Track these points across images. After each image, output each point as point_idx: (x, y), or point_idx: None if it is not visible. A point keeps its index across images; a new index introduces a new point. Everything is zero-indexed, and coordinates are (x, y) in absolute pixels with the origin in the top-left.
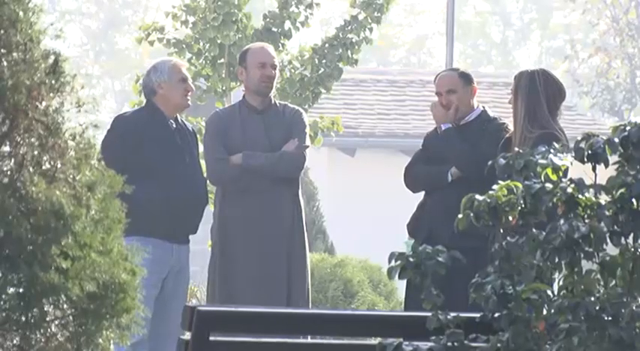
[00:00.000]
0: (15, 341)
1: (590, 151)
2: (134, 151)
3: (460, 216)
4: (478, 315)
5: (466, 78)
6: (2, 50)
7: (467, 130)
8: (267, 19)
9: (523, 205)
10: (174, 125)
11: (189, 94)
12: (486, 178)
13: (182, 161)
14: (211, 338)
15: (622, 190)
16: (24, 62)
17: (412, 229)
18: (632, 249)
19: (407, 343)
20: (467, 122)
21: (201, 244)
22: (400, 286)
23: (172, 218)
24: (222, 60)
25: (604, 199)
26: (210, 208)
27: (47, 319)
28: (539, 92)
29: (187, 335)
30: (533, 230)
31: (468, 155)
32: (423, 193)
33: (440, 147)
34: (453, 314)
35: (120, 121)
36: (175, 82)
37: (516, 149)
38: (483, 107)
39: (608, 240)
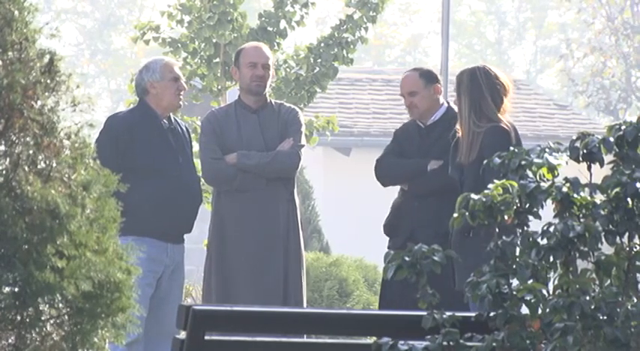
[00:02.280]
0: (10, 340)
1: (585, 151)
2: (127, 151)
3: (455, 215)
4: (473, 314)
5: (427, 77)
6: None
7: (435, 129)
8: (263, 19)
9: (518, 204)
10: (167, 124)
11: (182, 93)
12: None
13: (175, 161)
14: (207, 337)
15: (617, 190)
16: (19, 61)
17: (389, 230)
18: (627, 248)
19: (402, 342)
20: (434, 122)
21: (196, 243)
22: None
23: (166, 218)
24: (217, 59)
25: (599, 198)
26: (207, 208)
27: (42, 318)
28: (481, 86)
29: (183, 334)
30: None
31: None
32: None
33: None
34: (448, 313)
35: (112, 121)
36: (167, 81)
37: (464, 148)
38: (448, 103)
39: (603, 239)
